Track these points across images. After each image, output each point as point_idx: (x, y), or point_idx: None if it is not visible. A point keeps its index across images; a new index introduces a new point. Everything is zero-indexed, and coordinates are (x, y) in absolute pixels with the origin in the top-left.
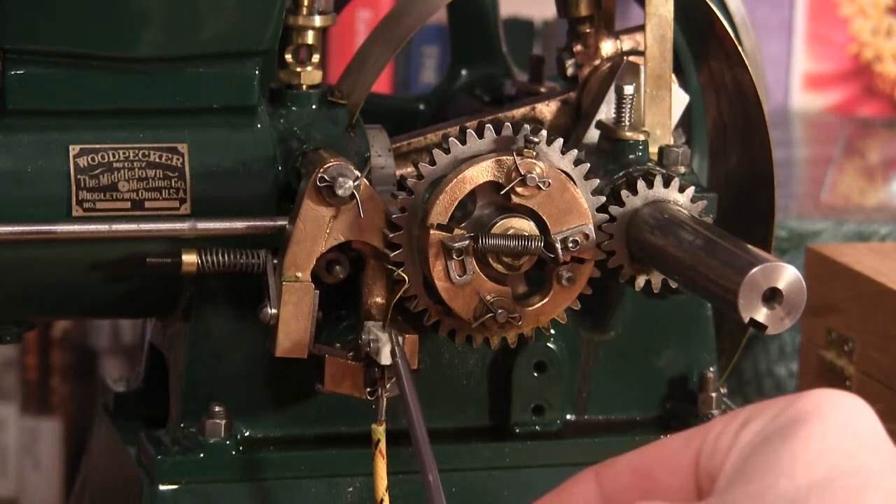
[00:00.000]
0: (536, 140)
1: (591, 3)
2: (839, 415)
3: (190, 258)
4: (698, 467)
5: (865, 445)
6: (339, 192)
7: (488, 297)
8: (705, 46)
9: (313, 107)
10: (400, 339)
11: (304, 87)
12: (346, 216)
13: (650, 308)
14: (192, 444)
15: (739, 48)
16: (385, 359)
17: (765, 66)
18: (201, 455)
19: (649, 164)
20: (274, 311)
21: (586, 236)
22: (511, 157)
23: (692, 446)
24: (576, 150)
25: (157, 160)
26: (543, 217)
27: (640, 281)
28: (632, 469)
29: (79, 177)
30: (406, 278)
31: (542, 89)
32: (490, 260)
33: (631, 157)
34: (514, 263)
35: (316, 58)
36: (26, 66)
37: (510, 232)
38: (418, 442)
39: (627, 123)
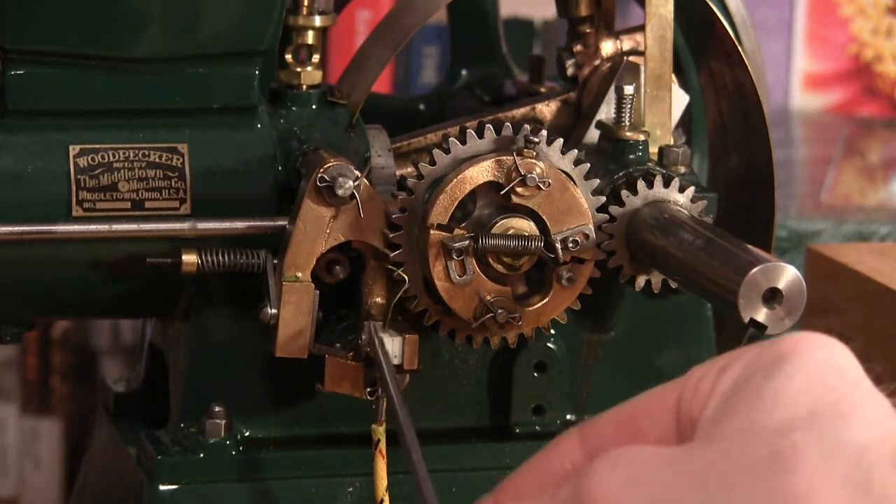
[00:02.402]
0: (536, 140)
1: (591, 3)
2: (818, 352)
3: (190, 258)
4: (679, 414)
5: (846, 379)
6: (339, 192)
7: (488, 297)
8: (705, 46)
9: (313, 107)
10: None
11: (304, 87)
12: (346, 216)
13: (650, 308)
14: (192, 444)
15: (739, 48)
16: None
17: (765, 66)
18: (201, 455)
19: (649, 164)
20: (274, 311)
21: (586, 236)
22: (511, 157)
23: (672, 395)
24: (576, 150)
25: (157, 160)
26: (543, 217)
27: (640, 281)
28: (614, 423)
29: (79, 177)
30: (406, 278)
31: (542, 89)
32: (490, 260)
33: (631, 157)
34: (514, 263)
35: (316, 58)
36: (26, 66)
37: (510, 232)
38: (405, 437)
39: (627, 123)
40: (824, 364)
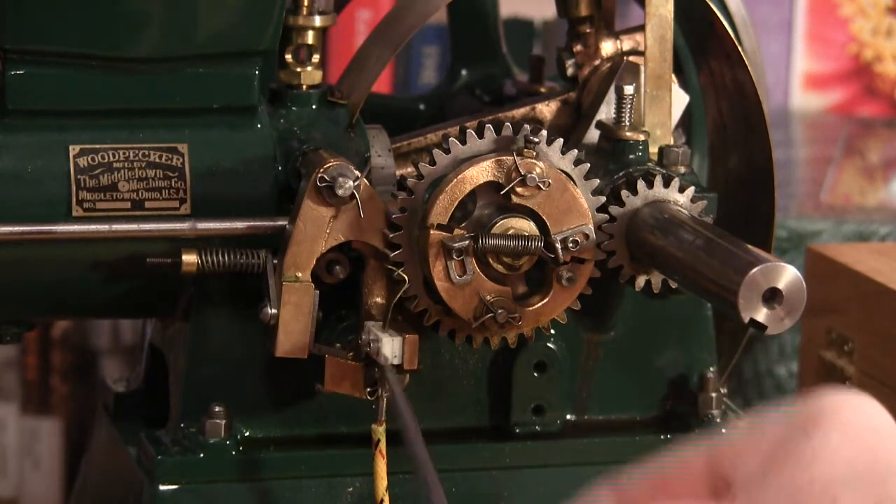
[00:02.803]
0: (536, 140)
1: (591, 3)
2: (851, 411)
3: (190, 258)
4: (711, 472)
5: (883, 436)
6: (339, 192)
7: (488, 297)
8: (705, 46)
9: (313, 107)
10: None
11: (304, 87)
12: (346, 216)
13: (650, 308)
14: (192, 444)
15: (739, 48)
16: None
17: (765, 66)
18: (201, 455)
19: (649, 164)
20: (274, 311)
21: (586, 236)
22: (511, 157)
23: (704, 452)
24: (576, 150)
25: (157, 160)
26: (543, 217)
27: (640, 281)
28: (649, 485)
29: (79, 177)
30: (406, 278)
31: (542, 89)
32: (490, 260)
33: (631, 157)
34: (514, 263)
35: (316, 58)
36: (26, 66)
37: (510, 232)
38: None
39: (627, 123)
40: (859, 422)
